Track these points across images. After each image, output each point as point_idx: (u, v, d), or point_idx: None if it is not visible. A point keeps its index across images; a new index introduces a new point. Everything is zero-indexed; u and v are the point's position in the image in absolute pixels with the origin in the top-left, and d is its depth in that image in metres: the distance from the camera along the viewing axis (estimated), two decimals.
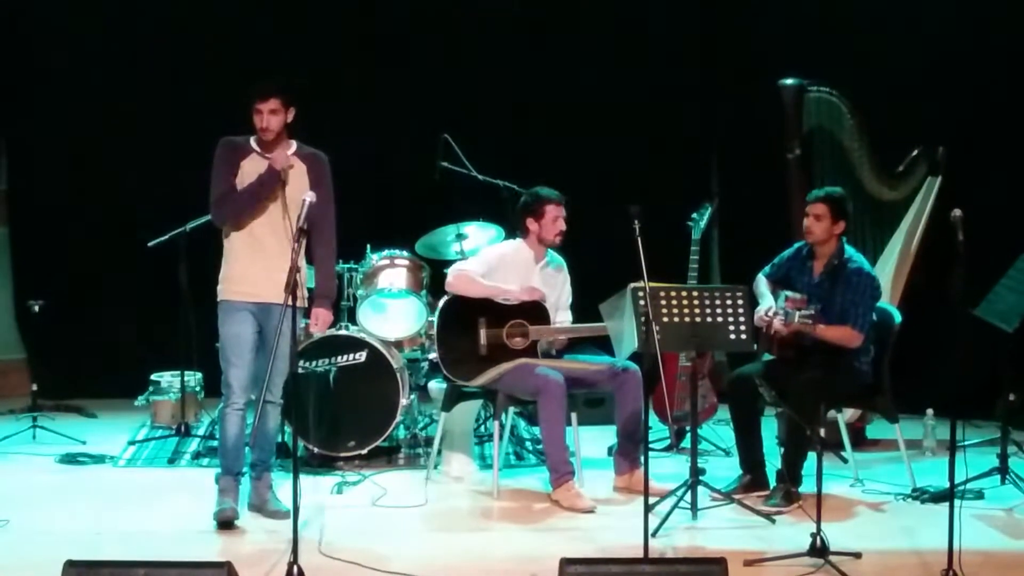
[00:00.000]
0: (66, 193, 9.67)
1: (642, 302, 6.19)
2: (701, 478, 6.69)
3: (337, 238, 6.72)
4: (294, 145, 6.62)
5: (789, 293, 7.04)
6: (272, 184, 6.46)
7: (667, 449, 8.00)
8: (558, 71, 9.73)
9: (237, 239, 6.54)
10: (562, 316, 7.48)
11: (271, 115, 6.47)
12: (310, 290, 6.70)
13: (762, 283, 7.20)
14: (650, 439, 6.29)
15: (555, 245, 7.39)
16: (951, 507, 5.56)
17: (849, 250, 7.11)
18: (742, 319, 6.52)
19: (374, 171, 9.55)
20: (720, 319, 6.51)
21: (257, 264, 6.47)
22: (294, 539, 5.56)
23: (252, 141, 6.55)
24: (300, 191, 6.27)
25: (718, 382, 8.04)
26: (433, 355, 7.58)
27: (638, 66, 9.72)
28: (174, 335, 8.31)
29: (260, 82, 6.54)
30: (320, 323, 6.73)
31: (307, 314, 6.76)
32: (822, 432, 6.05)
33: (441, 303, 7.40)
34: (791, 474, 6.87)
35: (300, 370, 7.45)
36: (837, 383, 6.91)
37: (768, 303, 7.02)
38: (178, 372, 8.47)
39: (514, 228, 7.58)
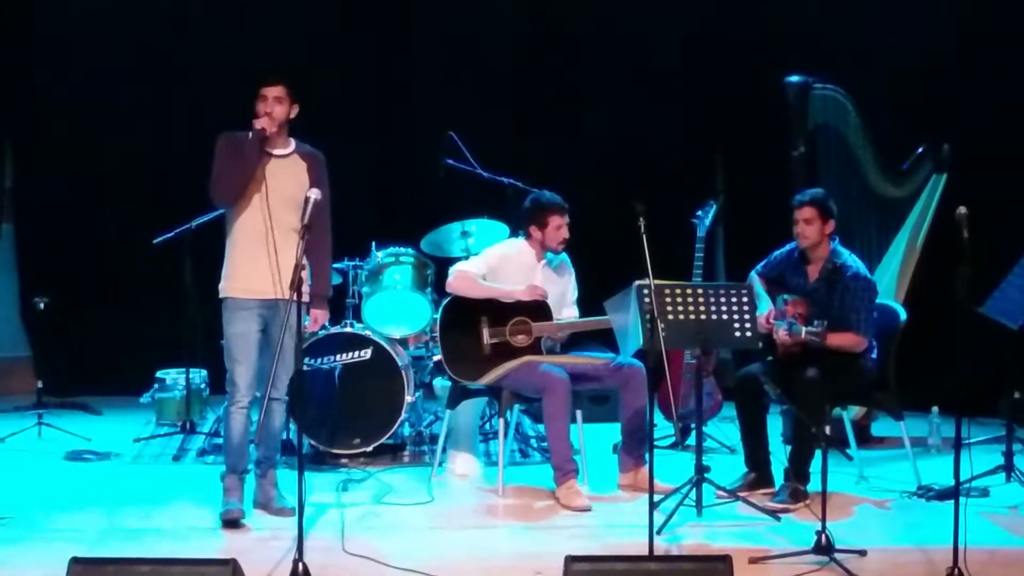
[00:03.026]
0: (71, 190, 9.67)
1: (647, 300, 6.19)
2: (706, 476, 6.69)
3: (337, 236, 6.72)
4: (293, 143, 6.61)
5: (788, 297, 7.04)
6: (255, 147, 6.40)
7: (672, 446, 8.00)
8: (562, 67, 9.74)
9: (240, 236, 6.52)
10: (567, 312, 7.47)
11: (275, 102, 6.46)
12: (311, 286, 6.70)
13: (757, 283, 7.18)
14: (655, 436, 6.29)
15: (557, 252, 7.38)
16: (956, 504, 5.54)
17: (842, 252, 7.10)
18: (747, 317, 6.52)
19: (379, 168, 9.56)
20: (725, 317, 6.50)
21: (261, 261, 6.45)
22: (299, 536, 5.56)
23: (250, 133, 6.48)
24: (302, 189, 6.26)
25: (723, 380, 8.04)
26: (438, 356, 7.57)
27: (643, 62, 9.72)
28: (179, 332, 8.33)
29: (267, 69, 6.54)
30: (318, 323, 6.74)
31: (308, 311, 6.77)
32: (827, 430, 6.05)
33: (442, 304, 7.40)
34: (798, 472, 6.86)
35: (305, 367, 7.44)
36: (842, 381, 6.91)
37: (767, 306, 7.01)
38: (183, 369, 8.48)
39: (518, 227, 7.58)
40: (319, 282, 6.67)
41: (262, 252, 6.46)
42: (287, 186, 6.46)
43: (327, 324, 7.34)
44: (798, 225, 7.05)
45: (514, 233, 7.77)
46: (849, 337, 6.90)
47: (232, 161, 6.44)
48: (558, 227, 7.30)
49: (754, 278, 7.23)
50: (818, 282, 7.07)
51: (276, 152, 6.54)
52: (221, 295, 6.58)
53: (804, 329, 6.73)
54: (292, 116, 6.55)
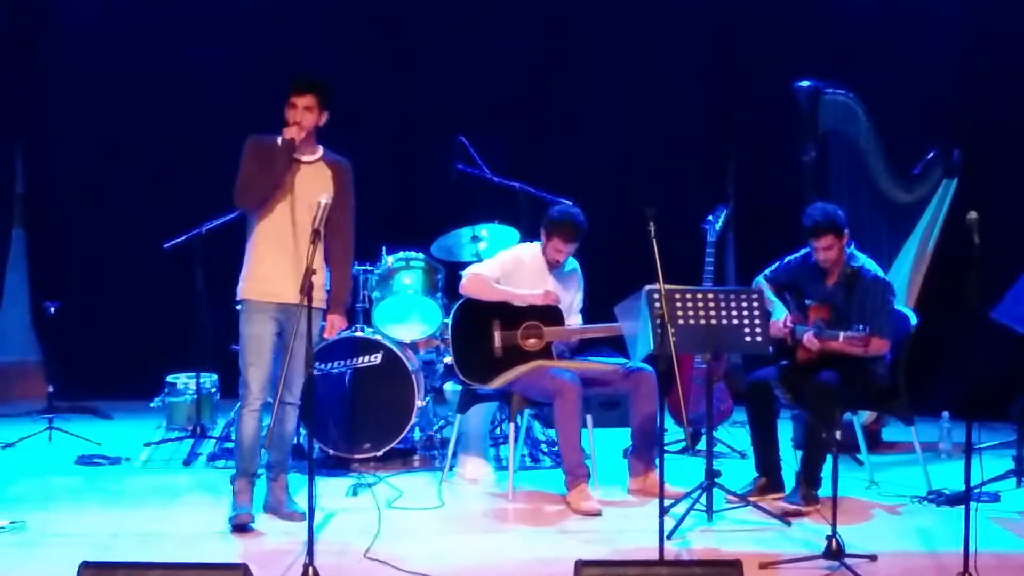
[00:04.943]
0: (82, 195, 9.70)
1: (657, 304, 6.18)
2: (716, 480, 6.68)
3: (354, 243, 6.73)
4: (321, 150, 6.62)
5: (810, 301, 7.02)
6: (285, 155, 6.42)
7: (682, 451, 8.00)
8: (574, 72, 9.74)
9: (261, 239, 6.52)
10: (572, 320, 7.47)
11: (305, 111, 6.46)
12: (329, 292, 6.70)
13: (766, 288, 7.16)
14: (665, 441, 6.29)
15: (550, 264, 7.38)
16: (967, 509, 5.55)
17: (859, 256, 7.09)
18: (758, 321, 6.52)
19: (390, 173, 9.57)
20: (736, 321, 6.50)
21: (282, 266, 6.45)
22: (309, 540, 5.57)
23: (280, 140, 6.51)
24: (323, 195, 6.23)
25: (733, 384, 8.03)
26: (449, 359, 7.57)
27: (653, 67, 9.72)
28: (190, 337, 8.33)
29: (298, 76, 6.52)
30: (334, 329, 6.74)
31: (325, 316, 6.77)
32: (838, 435, 6.04)
33: (455, 306, 7.40)
34: (809, 477, 6.85)
35: (316, 372, 7.45)
36: (853, 386, 6.89)
37: (782, 312, 7.00)
38: (194, 374, 8.48)
39: (531, 232, 7.58)
40: (338, 288, 6.68)
41: (282, 256, 6.46)
42: (311, 192, 6.42)
43: None
44: (819, 253, 6.99)
45: (526, 237, 7.77)
46: (876, 341, 6.88)
47: (261, 168, 6.45)
48: (557, 250, 7.30)
49: (765, 285, 7.21)
50: (836, 286, 7.04)
51: (303, 158, 6.55)
52: (239, 296, 6.59)
53: (843, 333, 6.69)
54: (321, 124, 6.56)
